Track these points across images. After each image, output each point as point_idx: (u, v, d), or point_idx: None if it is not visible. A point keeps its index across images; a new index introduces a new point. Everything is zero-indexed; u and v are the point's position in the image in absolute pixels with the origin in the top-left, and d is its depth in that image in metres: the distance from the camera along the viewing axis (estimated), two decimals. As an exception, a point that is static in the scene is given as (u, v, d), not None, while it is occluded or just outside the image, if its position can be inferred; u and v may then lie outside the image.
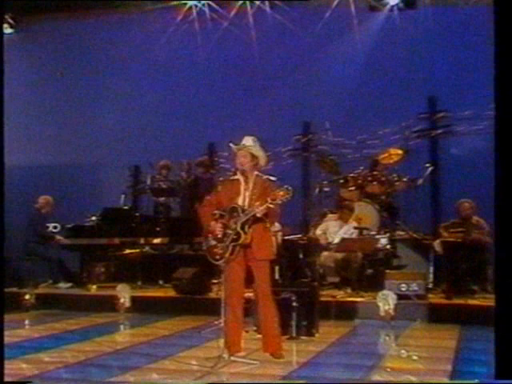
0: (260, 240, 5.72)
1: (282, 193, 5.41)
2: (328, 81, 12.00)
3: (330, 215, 10.01)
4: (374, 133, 11.55)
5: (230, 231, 5.68)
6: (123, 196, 11.47)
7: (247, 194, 5.77)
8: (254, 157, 5.78)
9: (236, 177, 5.87)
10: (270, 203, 5.48)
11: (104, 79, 12.91)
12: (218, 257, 5.72)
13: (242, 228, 5.64)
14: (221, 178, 6.35)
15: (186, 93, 12.53)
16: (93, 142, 12.84)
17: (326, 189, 10.85)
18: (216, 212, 5.81)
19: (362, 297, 8.51)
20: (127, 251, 10.79)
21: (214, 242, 5.76)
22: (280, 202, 5.47)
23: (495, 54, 4.29)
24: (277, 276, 8.80)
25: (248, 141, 5.83)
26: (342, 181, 10.74)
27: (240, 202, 5.77)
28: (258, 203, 5.57)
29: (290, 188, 5.43)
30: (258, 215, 5.59)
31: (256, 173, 5.82)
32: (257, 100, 12.09)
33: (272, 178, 5.84)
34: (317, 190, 10.86)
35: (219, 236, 5.71)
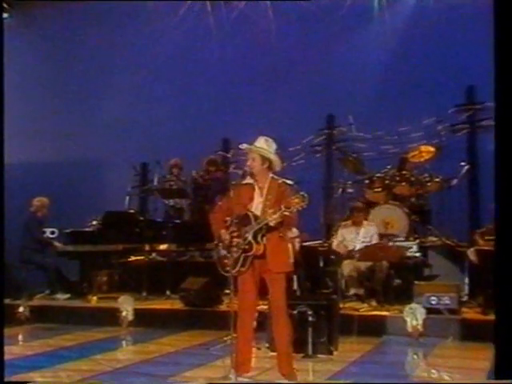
0: (275, 251, 5.76)
1: (296, 200, 5.46)
2: (353, 70, 12.04)
3: (344, 222, 10.03)
4: (403, 128, 11.56)
5: (241, 241, 5.72)
6: (128, 198, 11.63)
7: (260, 199, 5.82)
8: (264, 159, 5.81)
9: (249, 181, 5.90)
10: (284, 211, 5.51)
11: (108, 68, 13.06)
12: (228, 268, 5.75)
13: (254, 238, 5.67)
14: (233, 182, 6.28)
15: (198, 85, 12.68)
16: (95, 137, 12.99)
17: (350, 190, 10.90)
18: (227, 219, 5.85)
19: (387, 310, 8.52)
20: (131, 259, 10.90)
21: (224, 252, 5.81)
22: (295, 210, 5.51)
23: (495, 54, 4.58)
24: (295, 287, 8.90)
25: (260, 142, 5.87)
26: (367, 181, 10.79)
27: (253, 208, 5.81)
28: (271, 211, 5.60)
29: (305, 195, 5.47)
30: (272, 224, 5.63)
31: (271, 176, 5.85)
32: (275, 92, 12.22)
33: (289, 182, 5.88)
34: (339, 191, 10.94)
35: (229, 246, 5.76)
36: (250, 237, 5.68)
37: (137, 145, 12.66)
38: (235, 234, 5.76)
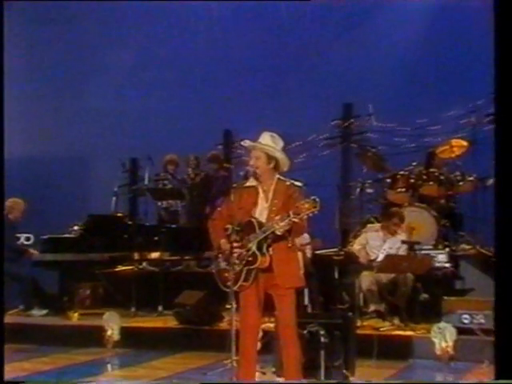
0: (283, 263, 5.79)
1: (307, 205, 5.50)
2: (374, 54, 12.11)
3: (371, 225, 10.01)
4: (431, 118, 11.55)
5: (243, 252, 5.75)
6: (114, 199, 11.57)
7: (265, 204, 5.85)
8: (270, 158, 5.82)
9: (252, 183, 5.94)
10: (293, 218, 5.54)
11: (96, 51, 13.21)
12: (229, 283, 5.77)
13: (259, 248, 5.70)
14: (234, 185, 6.29)
15: (196, 72, 12.84)
16: (77, 130, 13.03)
17: (369, 190, 10.90)
18: (228, 227, 5.87)
19: (412, 330, 8.51)
20: (118, 269, 10.96)
21: (224, 265, 5.86)
22: (305, 216, 5.56)
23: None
24: (306, 301, 8.91)
25: (265, 138, 5.90)
26: (389, 180, 10.80)
27: (257, 214, 5.84)
28: (278, 217, 5.63)
29: (317, 199, 5.52)
30: (279, 232, 5.65)
31: (277, 177, 5.88)
32: (286, 79, 12.32)
33: (298, 184, 5.90)
34: (357, 191, 10.94)
35: (230, 257, 5.78)
36: (253, 247, 5.71)
37: (126, 138, 12.71)
38: (237, 244, 5.77)
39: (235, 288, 5.73)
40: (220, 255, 5.89)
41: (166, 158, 11.78)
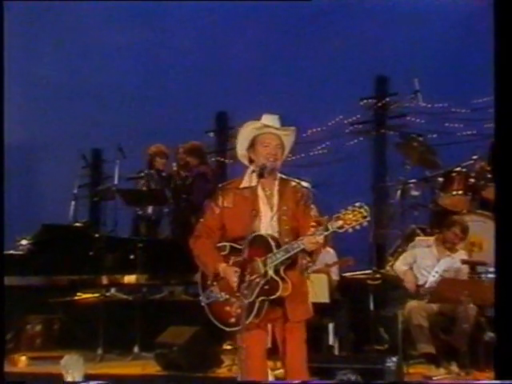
0: (294, 288, 5.86)
1: (352, 215, 5.55)
2: (412, 17, 12.24)
3: (421, 238, 9.97)
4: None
5: (255, 278, 5.78)
6: (73, 203, 11.55)
7: (270, 212, 5.93)
8: (283, 148, 5.98)
9: (247, 183, 6.01)
10: (331, 231, 5.60)
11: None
12: (232, 320, 5.83)
13: (276, 272, 5.75)
14: (220, 185, 6.24)
15: (181, 41, 13.17)
16: (24, 112, 13.03)
17: (415, 192, 10.90)
18: (225, 245, 5.95)
19: (476, 379, 8.38)
20: (80, 297, 11.04)
21: (224, 297, 5.91)
22: (351, 230, 5.59)
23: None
24: (331, 341, 8.97)
25: (273, 120, 6.00)
26: (441, 179, 10.73)
27: (264, 225, 5.91)
28: (309, 232, 5.64)
29: (365, 206, 5.59)
30: (308, 250, 5.72)
31: (279, 176, 6.02)
32: (296, 45, 12.43)
33: (305, 185, 6.19)
34: (398, 194, 10.96)
35: (238, 286, 5.81)
36: (270, 271, 5.75)
37: (88, 123, 12.85)
38: (246, 270, 5.81)
39: (246, 324, 5.69)
40: (215, 283, 5.93)
41: (152, 150, 11.79)
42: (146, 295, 11.11)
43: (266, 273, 5.74)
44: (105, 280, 10.65)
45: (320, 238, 5.62)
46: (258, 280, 5.75)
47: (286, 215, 5.86)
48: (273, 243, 5.76)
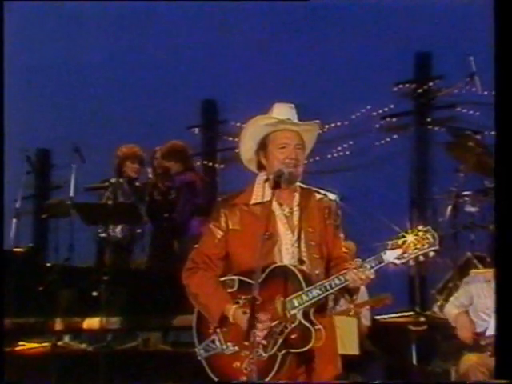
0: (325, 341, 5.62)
1: (412, 243, 5.31)
2: None
3: (478, 271, 9.43)
4: None
5: (276, 324, 5.39)
6: (15, 221, 11.07)
7: (290, 235, 5.58)
8: (304, 149, 5.72)
9: (264, 196, 5.62)
10: (392, 262, 5.35)
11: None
12: (243, 379, 5.40)
13: (306, 316, 5.37)
14: (219, 199, 5.88)
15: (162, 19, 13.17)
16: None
17: (470, 208, 10.39)
18: (233, 279, 5.56)
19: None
20: (24, 347, 10.46)
21: (230, 348, 5.51)
22: (412, 262, 5.45)
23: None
24: None
25: (289, 112, 5.66)
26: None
27: (284, 253, 5.54)
28: (356, 261, 5.40)
29: (432, 231, 5.35)
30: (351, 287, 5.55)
31: (299, 185, 5.73)
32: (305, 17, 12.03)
33: (332, 196, 5.94)
34: (448, 210, 10.44)
35: (252, 335, 5.32)
36: (299, 315, 5.37)
37: (36, 117, 12.75)
38: (264, 313, 5.37)
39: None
40: (218, 330, 5.53)
41: (122, 151, 11.03)
42: (111, 344, 10.17)
43: (292, 317, 5.38)
44: (58, 325, 10.36)
45: (371, 273, 5.38)
46: (281, 327, 5.40)
47: (313, 240, 5.53)
48: (301, 277, 5.39)
